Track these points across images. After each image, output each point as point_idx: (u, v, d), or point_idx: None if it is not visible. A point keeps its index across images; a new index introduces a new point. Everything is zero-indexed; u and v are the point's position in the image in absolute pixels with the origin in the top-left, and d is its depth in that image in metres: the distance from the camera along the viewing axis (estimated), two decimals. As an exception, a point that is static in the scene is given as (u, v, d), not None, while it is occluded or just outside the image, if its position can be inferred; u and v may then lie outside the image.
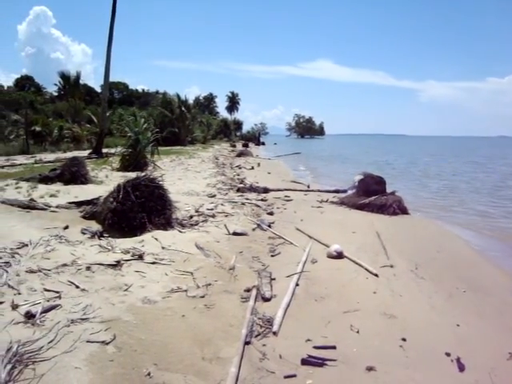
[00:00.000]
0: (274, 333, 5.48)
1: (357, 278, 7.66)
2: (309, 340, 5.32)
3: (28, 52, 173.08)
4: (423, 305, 6.74)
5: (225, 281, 7.05)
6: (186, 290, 6.44)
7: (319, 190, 20.07)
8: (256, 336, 5.39)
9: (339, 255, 8.78)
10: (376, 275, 7.81)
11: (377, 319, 6.06)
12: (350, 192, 18.32)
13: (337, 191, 19.66)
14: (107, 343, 4.79)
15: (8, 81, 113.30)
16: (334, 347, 5.17)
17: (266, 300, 6.49)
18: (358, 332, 5.61)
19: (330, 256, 8.83)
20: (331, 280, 7.51)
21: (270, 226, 11.06)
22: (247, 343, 5.13)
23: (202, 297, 6.31)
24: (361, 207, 15.24)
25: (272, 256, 8.82)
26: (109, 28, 33.51)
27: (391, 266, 8.49)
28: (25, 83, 77.19)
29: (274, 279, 7.32)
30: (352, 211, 14.92)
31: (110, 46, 33.59)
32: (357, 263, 8.39)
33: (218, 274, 7.28)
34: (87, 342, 4.77)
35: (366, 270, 8.05)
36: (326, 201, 16.67)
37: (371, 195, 15.63)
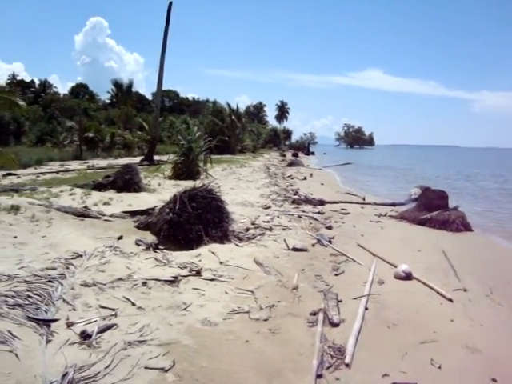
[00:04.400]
0: (347, 365, 4.98)
1: (430, 303, 7.05)
2: (386, 375, 4.80)
3: (83, 61, 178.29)
4: (507, 337, 6.10)
5: (288, 302, 6.61)
6: (247, 312, 6.05)
7: (375, 203, 19.41)
8: (327, 368, 4.90)
9: (408, 276, 8.19)
10: (450, 300, 7.18)
11: (459, 353, 5.47)
12: (408, 205, 17.71)
13: (393, 204, 19.02)
14: (167, 370, 4.47)
15: (64, 89, 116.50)
16: (415, 385, 4.64)
17: (335, 325, 5.99)
18: (439, 368, 5.04)
19: (398, 277, 8.24)
20: (402, 304, 6.93)
21: (330, 242, 10.54)
22: (319, 376, 4.66)
23: (266, 320, 5.89)
24: (422, 222, 14.53)
25: (336, 275, 8.30)
26: (162, 37, 34.09)
27: (464, 290, 7.83)
28: (79, 91, 79.19)
29: (340, 301, 6.81)
30: (413, 226, 14.23)
31: (163, 55, 34.13)
32: (428, 286, 7.78)
33: (280, 294, 6.85)
34: (145, 368, 4.45)
35: (439, 293, 7.42)
36: (385, 215, 16.01)
37: (433, 210, 14.90)
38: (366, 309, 6.60)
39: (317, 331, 5.64)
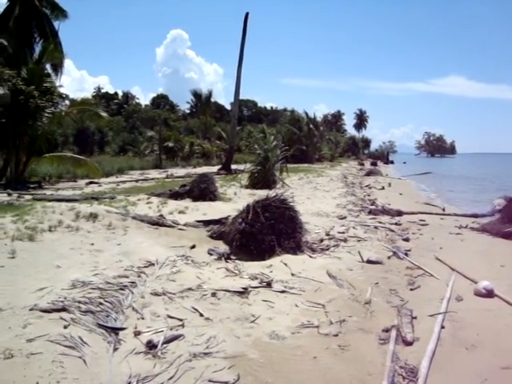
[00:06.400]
0: (420, 388, 4.71)
1: (513, 324, 6.60)
2: (462, 402, 4.50)
3: (164, 72, 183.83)
4: None
5: (360, 317, 6.38)
6: (317, 326, 5.87)
7: (455, 214, 18.62)
8: (398, 390, 4.65)
9: (489, 293, 7.72)
10: (536, 321, 6.70)
11: (546, 381, 5.05)
12: (491, 217, 16.88)
13: (475, 215, 18.14)
14: (231, 385, 4.35)
15: (146, 100, 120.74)
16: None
17: (408, 344, 5.70)
18: (523, 396, 4.67)
19: (478, 294, 7.79)
20: (482, 324, 6.51)
21: (406, 254, 10.17)
22: (389, 399, 4.43)
23: (336, 335, 5.70)
24: (506, 235, 13.74)
25: (411, 290, 7.97)
26: (239, 48, 34.64)
27: (553, 311, 7.29)
28: (160, 101, 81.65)
29: (415, 318, 6.50)
30: (496, 240, 13.48)
31: (240, 65, 34.76)
32: (511, 304, 7.32)
33: (352, 309, 6.63)
34: (209, 381, 4.37)
35: (524, 313, 6.96)
36: (466, 226, 15.30)
37: (518, 222, 14.11)
38: (443, 327, 6.25)
39: (388, 349, 5.39)
